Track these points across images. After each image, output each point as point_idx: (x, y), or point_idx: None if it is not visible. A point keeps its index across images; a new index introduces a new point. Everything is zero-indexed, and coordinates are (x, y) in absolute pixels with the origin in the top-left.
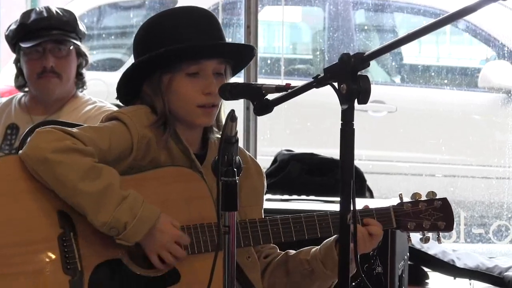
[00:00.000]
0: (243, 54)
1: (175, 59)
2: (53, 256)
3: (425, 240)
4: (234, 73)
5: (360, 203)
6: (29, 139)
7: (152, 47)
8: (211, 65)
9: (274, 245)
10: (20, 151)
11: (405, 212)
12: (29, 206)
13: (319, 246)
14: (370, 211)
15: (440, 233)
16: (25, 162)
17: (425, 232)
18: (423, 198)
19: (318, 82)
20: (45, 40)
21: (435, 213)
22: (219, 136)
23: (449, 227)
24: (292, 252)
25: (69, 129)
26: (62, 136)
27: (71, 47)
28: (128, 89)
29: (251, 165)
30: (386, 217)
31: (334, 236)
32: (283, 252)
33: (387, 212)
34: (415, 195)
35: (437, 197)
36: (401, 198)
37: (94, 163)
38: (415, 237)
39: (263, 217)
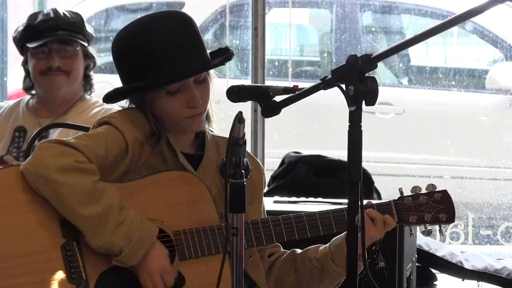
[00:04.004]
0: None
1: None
2: (58, 266)
3: (427, 233)
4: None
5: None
6: (31, 153)
7: (132, 73)
8: (191, 80)
9: (278, 243)
10: (21, 165)
11: (406, 206)
12: (31, 216)
13: (328, 244)
14: (371, 206)
15: (442, 225)
16: (26, 177)
17: (426, 225)
18: (423, 191)
19: (325, 84)
20: (51, 39)
21: (436, 206)
22: (213, 130)
23: (450, 219)
24: (299, 250)
25: (69, 140)
26: (64, 151)
27: (78, 48)
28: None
29: (249, 162)
30: (387, 212)
31: (343, 234)
32: (289, 251)
33: (388, 206)
34: (415, 189)
35: (437, 190)
36: (401, 192)
37: (96, 185)
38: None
39: (264, 214)
